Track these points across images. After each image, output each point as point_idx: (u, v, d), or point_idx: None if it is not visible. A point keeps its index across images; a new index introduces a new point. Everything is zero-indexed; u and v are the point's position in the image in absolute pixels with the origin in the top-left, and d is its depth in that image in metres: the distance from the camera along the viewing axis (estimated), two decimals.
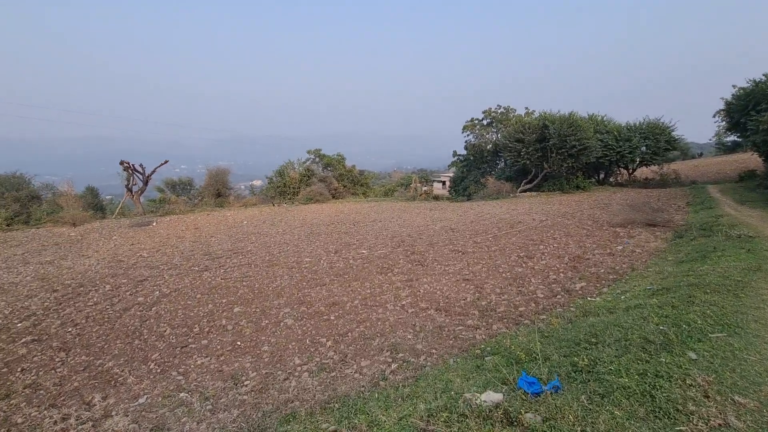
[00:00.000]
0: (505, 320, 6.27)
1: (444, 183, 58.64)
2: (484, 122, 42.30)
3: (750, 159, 29.21)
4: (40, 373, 5.56)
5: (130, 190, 24.56)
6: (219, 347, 6.06)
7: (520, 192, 30.02)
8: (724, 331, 3.77)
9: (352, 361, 5.20)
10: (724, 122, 28.66)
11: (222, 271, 11.18)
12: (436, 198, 33.96)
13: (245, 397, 4.44)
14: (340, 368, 5.00)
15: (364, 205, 27.57)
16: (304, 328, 6.58)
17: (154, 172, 25.35)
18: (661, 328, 4.00)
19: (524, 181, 30.78)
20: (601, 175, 33.17)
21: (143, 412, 4.30)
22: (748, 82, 24.38)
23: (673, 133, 28.65)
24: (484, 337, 5.60)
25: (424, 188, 41.91)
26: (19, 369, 5.74)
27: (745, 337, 3.62)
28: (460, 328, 6.07)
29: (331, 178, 33.80)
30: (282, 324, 6.81)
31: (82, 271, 11.99)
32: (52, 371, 5.58)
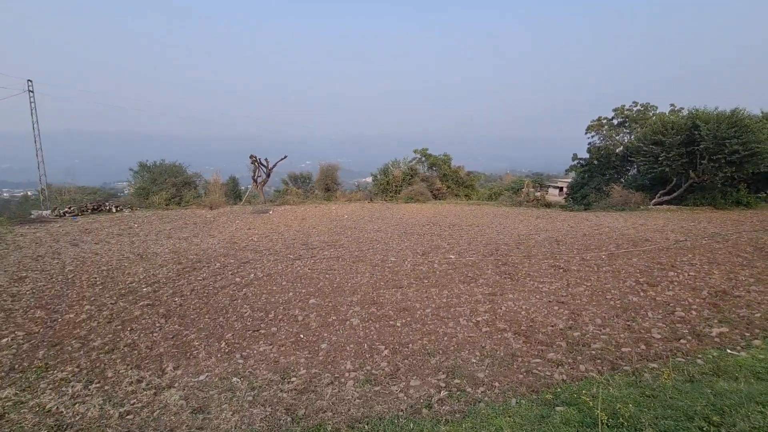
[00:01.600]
0: (599, 361, 5.10)
1: (561, 189, 53.19)
2: (614, 122, 36.96)
3: None
4: (141, 334, 6.49)
5: (255, 180, 27.96)
6: (284, 337, 6.24)
7: (653, 204, 25.37)
8: None
9: (403, 377, 4.78)
10: None
11: (312, 261, 11.75)
12: (548, 205, 30.81)
13: (285, 395, 4.41)
14: (387, 383, 4.63)
15: (465, 208, 26.52)
16: (367, 331, 6.38)
17: (275, 166, 28.41)
18: None
19: (661, 192, 25.89)
20: None
21: (196, 390, 4.61)
22: None
23: None
24: (564, 377, 4.61)
25: (537, 193, 38.50)
26: (129, 329, 6.80)
27: None
28: (537, 361, 5.13)
29: (434, 177, 33.34)
30: (347, 323, 6.72)
31: (204, 248, 13.92)
32: (150, 334, 6.46)
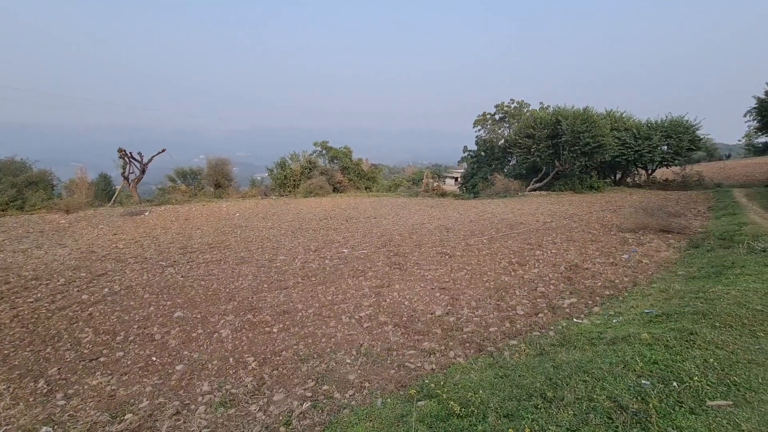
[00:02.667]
0: (468, 344, 5.26)
1: (456, 179, 57.16)
2: (497, 117, 40.74)
3: None
4: None
5: (126, 178, 24.22)
6: (130, 363, 5.25)
7: (529, 191, 28.58)
8: (729, 395, 2.71)
9: (267, 391, 4.31)
10: (754, 122, 26.61)
11: (188, 267, 10.44)
12: (443, 195, 32.70)
13: None
14: (246, 403, 4.11)
15: (364, 200, 26.64)
16: (237, 342, 5.72)
17: (151, 160, 24.95)
18: (642, 383, 2.96)
19: (534, 180, 29.31)
20: (618, 176, 31.36)
21: None
22: None
23: (698, 132, 26.67)
24: (434, 367, 4.62)
25: (435, 184, 40.63)
26: None
27: (758, 410, 2.55)
28: (412, 352, 5.10)
29: (334, 170, 32.87)
30: (215, 336, 5.96)
31: (48, 261, 11.45)
32: None
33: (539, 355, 4.44)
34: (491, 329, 5.81)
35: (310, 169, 30.77)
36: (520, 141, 28.18)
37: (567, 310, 6.52)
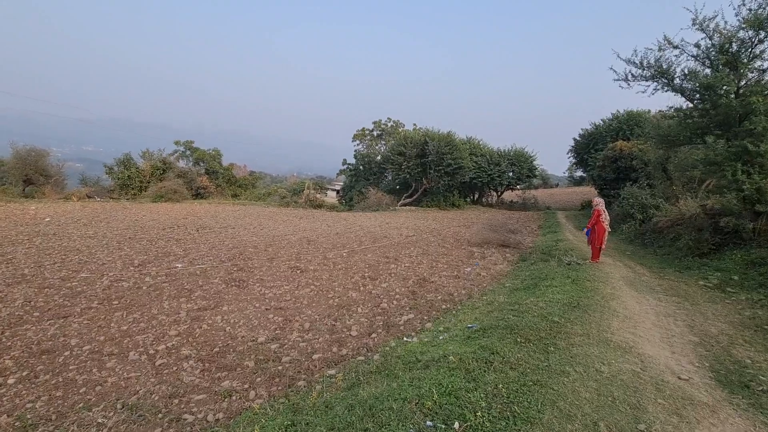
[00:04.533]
0: (278, 379, 4.43)
1: (338, 191, 57.10)
2: (375, 133, 42.06)
3: (590, 191, 33.79)
4: None
5: None
6: None
7: (400, 205, 29.82)
8: (507, 430, 2.43)
9: None
10: (573, 158, 32.68)
11: None
12: (319, 206, 31.86)
13: None
14: None
15: (227, 208, 24.12)
16: None
17: None
18: (427, 425, 2.51)
19: (405, 195, 30.77)
20: (476, 195, 35.16)
21: None
22: (590, 125, 28.02)
23: (535, 162, 31.61)
24: (220, 416, 3.65)
25: (318, 195, 39.46)
26: None
27: None
28: (201, 397, 4.04)
29: (195, 174, 29.22)
30: None
31: None
32: None
33: (350, 388, 3.85)
34: (315, 356, 5.09)
35: (164, 170, 26.67)
36: (393, 157, 29.33)
37: (402, 327, 6.24)
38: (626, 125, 24.24)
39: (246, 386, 4.27)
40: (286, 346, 5.46)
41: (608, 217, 9.43)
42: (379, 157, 38.60)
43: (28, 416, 3.66)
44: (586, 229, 9.63)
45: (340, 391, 3.78)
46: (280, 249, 12.99)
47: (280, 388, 4.22)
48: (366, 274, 9.88)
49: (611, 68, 11.11)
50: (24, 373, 4.51)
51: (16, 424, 3.54)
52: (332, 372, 4.49)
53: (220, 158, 37.00)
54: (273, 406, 3.59)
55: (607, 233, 9.32)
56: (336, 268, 10.49)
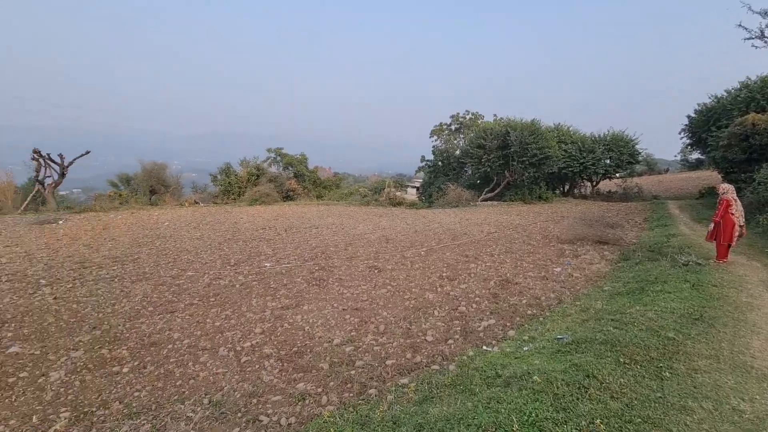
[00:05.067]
0: (350, 385, 4.36)
1: (417, 188, 57.10)
2: (452, 127, 41.02)
3: (711, 176, 28.73)
4: None
5: (40, 182, 21.66)
6: None
7: (480, 201, 28.56)
8: None
9: None
10: (687, 139, 28.08)
11: (70, 286, 8.91)
12: (398, 204, 32.02)
13: None
14: None
15: (312, 209, 25.46)
16: (64, 389, 4.49)
17: (71, 163, 22.50)
18: None
19: (486, 190, 29.38)
20: (566, 187, 32.18)
21: None
22: (710, 98, 23.73)
23: (637, 146, 27.82)
24: (292, 421, 3.68)
25: (398, 193, 39.92)
26: None
27: None
28: (277, 398, 4.13)
29: (284, 177, 31.43)
30: (40, 381, 4.68)
31: None
32: None
33: (421, 402, 3.60)
34: (388, 362, 4.95)
35: (257, 175, 29.19)
36: (471, 151, 28.20)
37: (481, 334, 5.80)
38: (760, 94, 19.90)
39: (319, 390, 4.28)
40: (360, 349, 5.41)
41: (741, 208, 7.73)
42: (457, 152, 37.51)
43: (134, 405, 4.11)
44: (711, 224, 7.96)
45: (411, 405, 3.56)
46: (359, 248, 13.21)
47: (351, 394, 4.14)
48: (444, 274, 9.52)
49: (740, 25, 9.09)
50: (135, 363, 5.12)
51: (124, 411, 3.99)
52: (405, 381, 4.28)
53: (306, 162, 39.38)
54: (342, 415, 3.50)
55: (737, 227, 7.62)
56: (413, 268, 10.29)
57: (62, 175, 22.34)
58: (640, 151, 28.40)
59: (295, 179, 36.32)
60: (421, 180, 50.05)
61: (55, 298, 8.00)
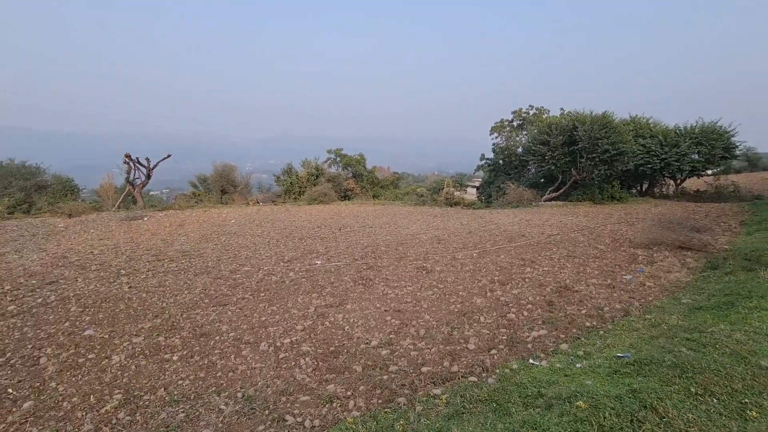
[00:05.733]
0: (380, 390, 4.19)
1: (477, 188, 55.40)
2: (514, 124, 39.09)
3: None
4: None
5: (131, 183, 24.42)
6: None
7: (544, 201, 26.82)
8: None
9: None
10: None
11: (143, 276, 9.82)
12: (455, 204, 31.21)
13: None
14: None
15: (368, 208, 25.74)
16: (121, 372, 4.88)
17: (156, 166, 25.08)
18: None
19: (550, 189, 27.52)
20: (644, 186, 29.06)
21: None
22: None
23: (733, 138, 24.22)
24: (316, 424, 3.59)
25: (456, 193, 39.04)
26: None
27: None
28: (305, 399, 4.09)
29: (342, 177, 32.19)
30: (104, 363, 5.15)
31: (13, 266, 11.14)
32: None
33: (448, 417, 3.33)
34: (423, 369, 4.70)
35: (317, 175, 30.23)
36: (534, 148, 26.57)
37: (530, 345, 5.31)
38: None
39: (348, 393, 4.17)
40: (396, 353, 5.23)
41: None
42: (519, 149, 35.67)
43: (176, 392, 4.33)
44: None
45: (438, 419, 3.30)
46: (410, 248, 13.01)
47: (380, 401, 3.97)
48: (495, 278, 8.99)
49: None
50: (185, 352, 5.42)
51: (166, 398, 4.22)
52: (437, 391, 4.02)
53: (364, 162, 40.05)
54: (366, 422, 3.34)
55: None
56: (463, 270, 9.87)
57: (148, 176, 24.99)
58: (737, 144, 24.69)
59: (353, 179, 37.11)
60: (481, 179, 48.46)
61: (129, 287, 8.86)
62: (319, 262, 11.22)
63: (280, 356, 5.25)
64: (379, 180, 40.64)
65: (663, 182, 28.44)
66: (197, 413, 3.87)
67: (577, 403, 2.82)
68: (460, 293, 8.01)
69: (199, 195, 29.12)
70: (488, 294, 7.89)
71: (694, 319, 5.23)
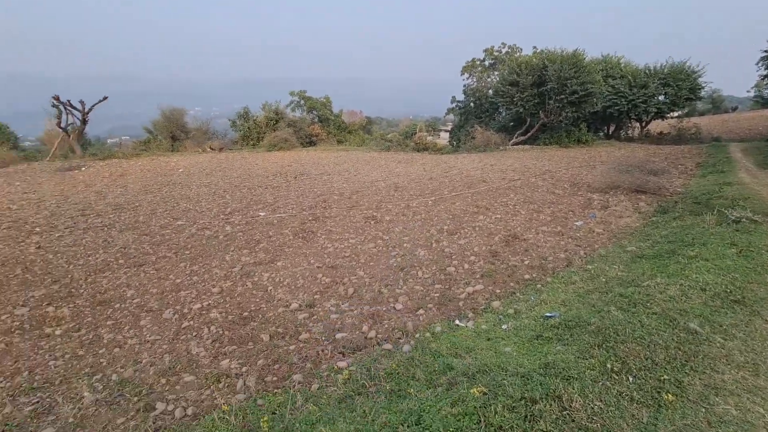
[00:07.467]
0: (279, 366, 3.68)
1: (450, 132, 54.09)
2: (486, 63, 37.25)
3: None
4: None
5: (64, 129, 21.96)
6: None
7: (512, 144, 26.31)
8: None
9: None
10: (764, 69, 23.77)
11: (58, 235, 8.80)
12: (424, 149, 30.24)
13: None
14: None
15: (330, 155, 24.51)
16: None
17: (91, 109, 22.51)
18: None
19: (518, 132, 26.91)
20: (611, 129, 28.91)
21: None
22: None
23: (700, 79, 23.90)
24: (191, 413, 3.06)
25: (429, 138, 37.73)
26: None
27: None
28: (189, 379, 3.55)
29: (305, 122, 30.32)
30: None
31: None
32: None
33: (343, 399, 2.86)
34: (338, 335, 4.22)
35: (276, 120, 28.25)
36: (503, 89, 25.47)
37: (461, 303, 4.91)
38: None
39: (243, 370, 3.65)
40: (314, 317, 4.71)
41: None
42: (490, 91, 34.35)
43: (39, 377, 3.68)
44: None
45: (326, 403, 2.80)
46: (364, 197, 12.34)
47: (275, 379, 3.47)
48: (445, 228, 8.52)
49: None
50: (71, 325, 4.73)
51: (23, 385, 3.57)
52: (342, 364, 3.54)
53: (330, 105, 37.73)
54: (237, 414, 2.82)
55: None
56: (414, 219, 9.35)
57: (84, 122, 22.53)
58: (703, 85, 24.46)
59: (318, 124, 35.12)
60: (452, 123, 47.18)
61: (38, 248, 7.87)
62: (262, 214, 10.42)
63: (183, 325, 4.64)
64: (347, 125, 38.76)
65: (629, 125, 28.34)
66: (51, 404, 3.27)
67: (472, 391, 2.34)
68: (405, 245, 7.51)
69: (148, 142, 26.87)
70: (433, 245, 7.42)
71: (634, 270, 4.93)
